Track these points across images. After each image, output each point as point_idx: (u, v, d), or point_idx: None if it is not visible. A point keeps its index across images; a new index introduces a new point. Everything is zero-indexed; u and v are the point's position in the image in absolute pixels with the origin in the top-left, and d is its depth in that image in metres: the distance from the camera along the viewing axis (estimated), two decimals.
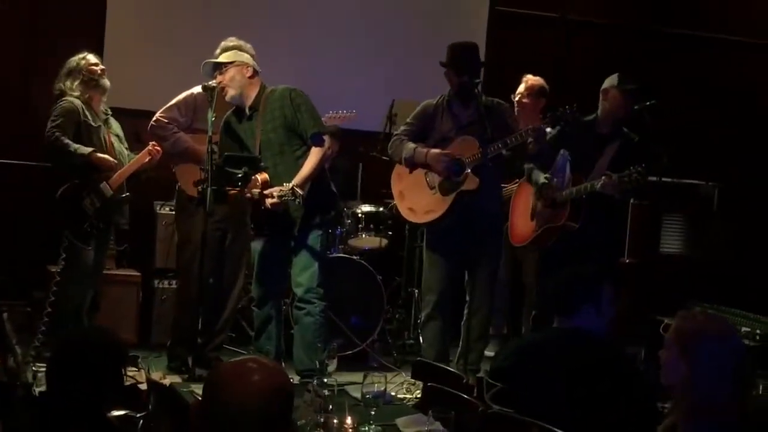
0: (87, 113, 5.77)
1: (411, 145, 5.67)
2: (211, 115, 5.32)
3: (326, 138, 5.32)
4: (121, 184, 5.87)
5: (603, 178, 5.46)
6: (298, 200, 5.08)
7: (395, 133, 5.88)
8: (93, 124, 5.79)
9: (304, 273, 5.41)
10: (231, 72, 5.38)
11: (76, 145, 5.64)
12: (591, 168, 5.74)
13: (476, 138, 5.49)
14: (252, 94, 5.42)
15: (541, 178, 5.73)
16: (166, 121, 5.79)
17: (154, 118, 5.82)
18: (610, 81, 5.86)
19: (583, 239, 5.66)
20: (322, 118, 5.57)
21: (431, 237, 5.79)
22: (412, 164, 5.70)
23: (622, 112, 5.83)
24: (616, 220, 6.07)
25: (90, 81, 5.80)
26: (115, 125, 6.03)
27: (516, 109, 6.58)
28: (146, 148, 5.84)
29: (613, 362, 3.55)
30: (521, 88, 6.79)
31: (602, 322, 3.67)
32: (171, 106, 5.84)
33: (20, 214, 6.77)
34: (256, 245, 5.57)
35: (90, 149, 5.67)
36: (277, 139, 5.38)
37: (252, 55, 5.48)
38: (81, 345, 2.86)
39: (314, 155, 5.28)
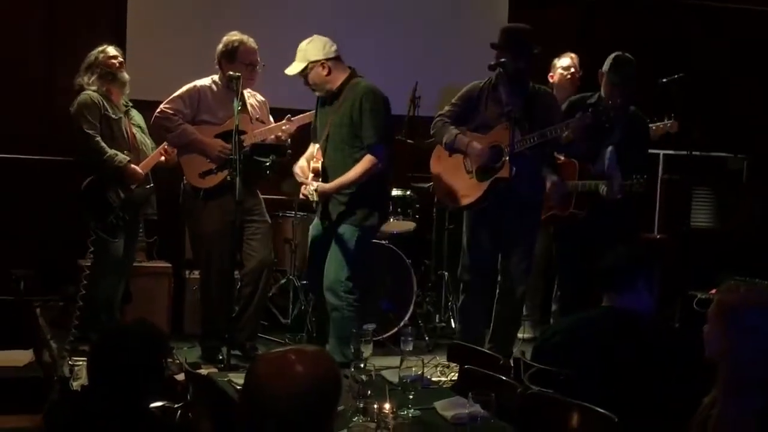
0: (107, 106, 5.82)
1: (454, 130, 5.62)
2: (237, 105, 5.35)
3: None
4: (146, 176, 5.94)
5: (604, 187, 5.58)
6: (313, 203, 5.38)
7: (439, 113, 5.80)
8: (113, 116, 5.84)
9: (331, 265, 5.45)
10: (310, 76, 5.50)
11: (112, 152, 5.76)
12: (597, 152, 5.74)
13: (516, 126, 5.40)
14: (336, 81, 5.51)
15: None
16: (171, 112, 5.74)
17: (159, 110, 5.77)
18: (606, 65, 5.81)
19: (594, 228, 5.71)
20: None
21: (470, 220, 5.75)
22: (452, 150, 5.68)
23: (617, 98, 5.76)
24: (626, 205, 6.01)
25: (107, 75, 5.86)
26: (138, 117, 6.07)
27: (557, 84, 6.58)
28: (159, 148, 5.95)
29: (661, 340, 3.53)
30: (567, 62, 6.74)
31: (652, 300, 3.66)
32: (175, 98, 5.80)
33: (50, 209, 6.79)
34: (312, 229, 5.71)
35: (126, 159, 5.79)
36: (340, 135, 5.46)
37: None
38: (122, 338, 2.86)
39: (362, 163, 5.37)
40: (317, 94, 5.60)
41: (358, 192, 5.42)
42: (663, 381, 3.37)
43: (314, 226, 5.70)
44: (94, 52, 5.88)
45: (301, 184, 5.54)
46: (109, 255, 5.84)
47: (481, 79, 5.70)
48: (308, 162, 5.61)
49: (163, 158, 5.96)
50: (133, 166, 5.81)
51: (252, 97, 5.94)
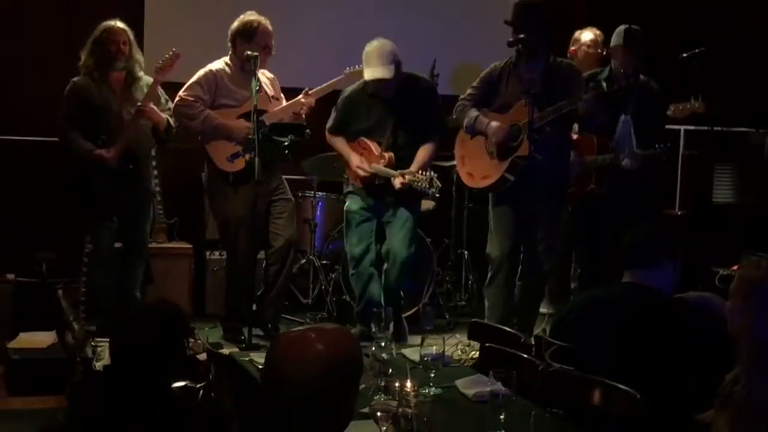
0: (96, 93, 5.69)
1: (473, 113, 5.60)
2: (255, 84, 5.36)
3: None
4: (129, 155, 5.75)
5: (626, 159, 5.58)
6: (433, 191, 5.51)
7: (461, 97, 5.78)
8: (101, 105, 5.70)
9: (404, 242, 5.83)
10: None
11: (78, 142, 5.67)
12: (614, 126, 5.71)
13: (535, 102, 5.36)
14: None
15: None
16: (192, 99, 5.72)
17: (178, 97, 5.74)
18: (616, 38, 5.79)
19: (614, 204, 5.73)
20: (342, 74, 5.89)
21: (495, 199, 5.73)
22: (473, 132, 5.66)
23: (631, 68, 5.73)
24: (646, 181, 5.98)
25: (103, 62, 5.70)
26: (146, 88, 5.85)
27: (581, 60, 6.54)
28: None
29: (680, 315, 3.51)
30: (590, 38, 6.66)
31: (676, 277, 3.64)
32: (193, 84, 5.78)
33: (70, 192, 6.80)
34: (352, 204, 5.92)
35: (88, 149, 5.65)
36: (410, 126, 5.78)
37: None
38: (143, 318, 2.87)
39: (432, 148, 5.80)
40: (385, 95, 5.71)
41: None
42: (685, 358, 3.35)
43: (359, 202, 5.90)
44: (101, 27, 5.72)
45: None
46: (103, 241, 5.82)
47: (498, 56, 5.69)
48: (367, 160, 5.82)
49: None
50: (98, 152, 5.63)
51: (263, 76, 5.90)
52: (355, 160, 5.80)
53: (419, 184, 5.53)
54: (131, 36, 5.76)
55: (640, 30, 5.82)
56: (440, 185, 5.52)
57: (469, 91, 5.75)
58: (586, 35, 6.69)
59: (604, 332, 3.50)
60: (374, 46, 5.63)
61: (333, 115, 5.95)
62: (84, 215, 5.88)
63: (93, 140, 5.67)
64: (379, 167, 5.73)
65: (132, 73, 5.76)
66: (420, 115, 5.78)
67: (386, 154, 5.75)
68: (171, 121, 5.81)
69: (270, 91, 5.90)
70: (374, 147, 5.79)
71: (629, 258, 3.70)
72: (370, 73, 5.60)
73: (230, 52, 5.80)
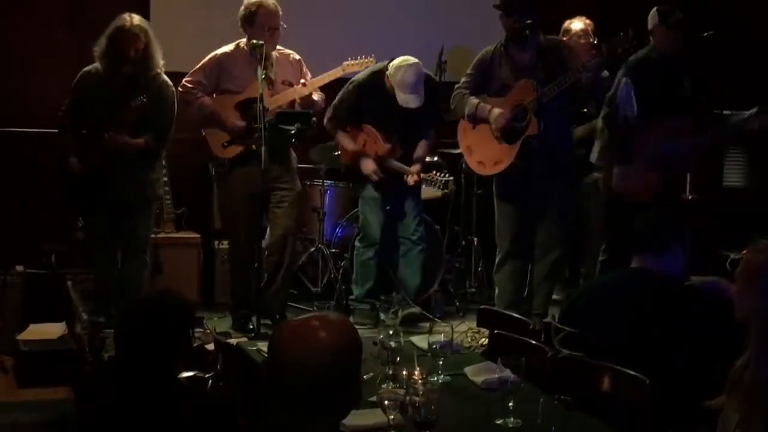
0: (102, 84, 5.57)
1: (473, 100, 5.60)
2: (261, 73, 5.35)
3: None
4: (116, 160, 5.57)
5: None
6: (446, 191, 6.06)
7: (456, 86, 5.79)
8: (107, 98, 5.53)
9: (416, 219, 6.16)
10: None
11: (64, 144, 5.63)
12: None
13: (534, 80, 5.38)
14: None
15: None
16: (190, 86, 5.75)
17: (180, 84, 5.75)
18: (652, 19, 5.76)
19: None
20: (341, 66, 5.85)
21: (499, 185, 5.72)
22: (475, 120, 5.64)
23: (675, 46, 5.71)
24: None
25: (111, 59, 5.54)
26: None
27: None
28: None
29: (689, 300, 3.49)
30: (579, 27, 6.61)
31: (685, 262, 3.62)
32: (196, 69, 5.81)
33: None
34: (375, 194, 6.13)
35: (66, 155, 5.59)
36: (413, 122, 5.99)
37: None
38: (149, 308, 2.86)
39: (431, 142, 6.19)
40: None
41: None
42: (693, 344, 3.33)
43: (378, 191, 6.12)
44: (116, 24, 5.53)
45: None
46: (95, 237, 5.78)
47: (488, 39, 5.76)
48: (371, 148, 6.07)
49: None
50: (71, 164, 5.56)
51: (284, 58, 5.89)
52: (369, 166, 6.05)
53: (434, 184, 5.89)
54: (149, 34, 5.56)
55: (674, 7, 5.79)
56: (454, 187, 5.95)
57: (464, 79, 5.75)
58: (576, 24, 6.62)
59: (612, 318, 3.49)
60: (412, 73, 5.84)
61: (338, 104, 6.02)
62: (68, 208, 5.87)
63: (97, 132, 5.54)
64: (395, 164, 6.00)
65: (144, 73, 5.56)
66: (422, 113, 5.96)
67: (394, 147, 5.96)
68: (152, 140, 5.62)
69: (285, 75, 5.85)
70: (381, 137, 5.97)
71: (638, 243, 3.68)
72: (403, 99, 5.82)
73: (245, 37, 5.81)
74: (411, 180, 5.96)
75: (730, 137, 6.01)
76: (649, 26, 5.79)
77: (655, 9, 5.78)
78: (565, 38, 6.60)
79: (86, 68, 5.68)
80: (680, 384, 3.21)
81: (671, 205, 5.18)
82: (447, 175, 5.89)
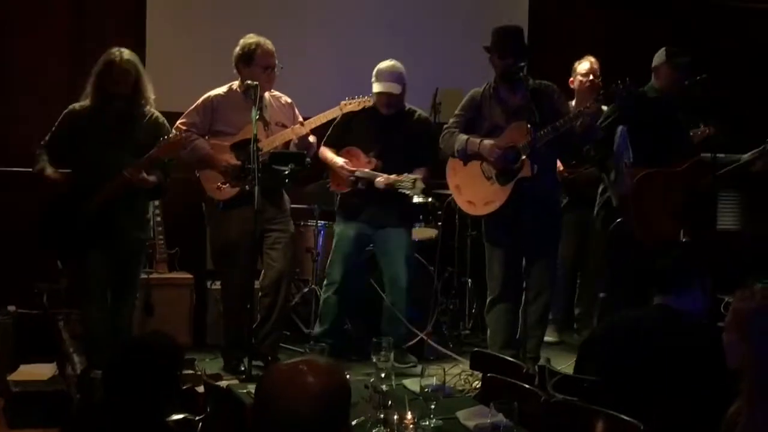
0: (89, 122, 5.36)
1: (463, 136, 5.62)
2: (255, 114, 5.36)
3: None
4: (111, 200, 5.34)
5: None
6: (416, 191, 5.89)
7: (445, 126, 5.81)
8: (93, 139, 5.33)
9: (403, 267, 6.12)
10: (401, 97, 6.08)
11: (39, 159, 5.41)
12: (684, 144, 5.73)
13: (527, 123, 5.41)
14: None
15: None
16: (184, 128, 5.72)
17: (174, 126, 5.70)
18: (659, 58, 5.83)
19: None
20: (338, 106, 5.90)
21: (489, 227, 5.72)
22: (466, 156, 5.64)
23: (676, 88, 5.76)
24: None
25: (99, 96, 5.36)
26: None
27: (577, 90, 6.55)
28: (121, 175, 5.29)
29: (708, 345, 3.48)
30: (586, 67, 6.66)
31: (706, 302, 3.64)
32: (190, 111, 5.81)
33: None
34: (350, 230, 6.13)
35: (40, 168, 5.36)
36: (402, 150, 6.05)
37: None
38: (138, 350, 2.84)
39: (426, 172, 6.07)
40: (386, 112, 5.99)
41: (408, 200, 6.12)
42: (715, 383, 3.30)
43: (351, 229, 6.11)
44: (105, 58, 5.35)
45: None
46: (84, 280, 5.48)
47: (477, 81, 5.80)
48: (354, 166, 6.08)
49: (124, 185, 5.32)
50: (47, 172, 5.34)
51: (275, 100, 5.92)
52: (339, 161, 6.05)
53: (402, 183, 5.82)
54: (139, 68, 5.41)
55: (683, 49, 5.90)
56: (424, 186, 5.83)
57: (452, 119, 5.78)
58: (583, 65, 6.70)
59: (636, 356, 3.51)
60: (387, 64, 5.99)
61: (330, 131, 6.15)
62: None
63: (80, 180, 5.37)
64: (363, 170, 5.99)
65: (133, 110, 5.40)
66: (411, 144, 6.03)
67: (373, 160, 6.01)
68: (163, 178, 5.49)
69: (277, 118, 5.88)
70: (361, 153, 6.04)
71: (658, 283, 3.72)
72: (378, 87, 5.92)
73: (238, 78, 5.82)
74: (380, 181, 5.91)
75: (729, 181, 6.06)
76: (654, 63, 5.85)
77: (663, 49, 5.85)
78: (572, 78, 6.67)
79: (73, 105, 5.47)
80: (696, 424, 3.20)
81: (693, 245, 5.23)
82: (417, 177, 5.84)
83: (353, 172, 6.01)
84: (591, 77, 6.65)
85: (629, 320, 3.81)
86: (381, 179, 5.92)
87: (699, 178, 5.79)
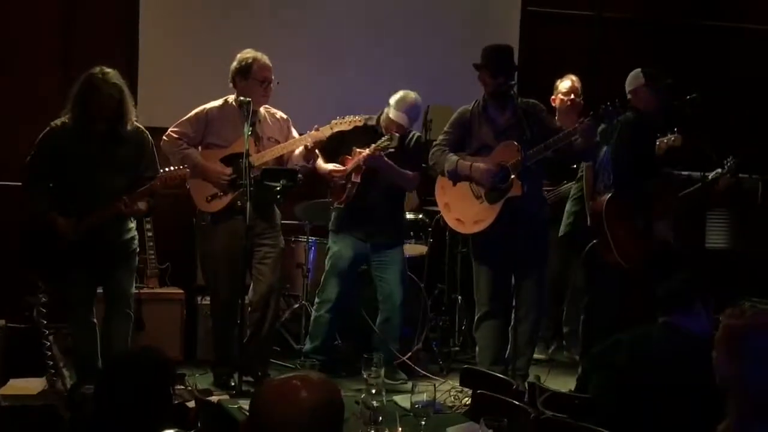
0: (70, 144, 5.28)
1: (453, 157, 5.63)
2: (247, 130, 5.38)
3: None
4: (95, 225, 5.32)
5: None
6: (393, 143, 5.80)
7: (434, 143, 5.84)
8: (74, 161, 5.28)
9: (398, 285, 6.13)
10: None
11: (38, 198, 5.34)
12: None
13: (516, 142, 5.44)
14: None
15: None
16: (176, 136, 5.75)
17: (166, 133, 5.76)
18: (636, 80, 5.81)
19: None
20: (329, 125, 5.84)
21: (477, 246, 5.74)
22: (456, 177, 5.66)
23: (658, 109, 5.77)
24: None
25: (81, 117, 5.27)
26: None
27: (558, 108, 6.58)
28: (117, 203, 5.27)
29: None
30: (567, 86, 6.71)
31: (710, 324, 3.66)
32: (183, 121, 5.82)
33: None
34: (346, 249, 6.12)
35: (44, 210, 5.30)
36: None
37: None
38: (129, 365, 2.84)
39: (414, 177, 6.15)
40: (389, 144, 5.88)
41: (402, 213, 6.26)
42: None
43: (348, 248, 6.08)
44: (86, 78, 5.27)
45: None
46: (71, 298, 5.51)
47: (466, 98, 5.85)
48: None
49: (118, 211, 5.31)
50: (56, 218, 5.28)
51: (270, 116, 5.92)
52: (329, 166, 6.05)
53: (382, 144, 5.81)
54: (123, 89, 5.31)
55: (656, 69, 5.91)
56: (398, 136, 5.83)
57: (441, 136, 5.81)
58: (564, 84, 6.76)
59: (642, 373, 3.54)
60: (411, 96, 6.00)
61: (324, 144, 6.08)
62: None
63: (63, 199, 5.34)
64: (351, 163, 5.99)
65: (115, 131, 5.32)
66: (400, 158, 5.99)
67: (359, 150, 5.99)
68: (152, 202, 5.49)
69: (270, 133, 5.87)
70: (353, 154, 6.03)
71: (661, 305, 3.77)
72: (394, 116, 5.95)
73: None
74: (366, 154, 5.88)
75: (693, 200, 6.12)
76: (632, 86, 5.84)
77: (639, 70, 5.84)
78: (553, 96, 6.71)
79: (54, 123, 5.37)
80: None
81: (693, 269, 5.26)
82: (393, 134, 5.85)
83: (342, 173, 6.01)
84: (572, 96, 6.70)
85: (635, 336, 3.82)
86: (364, 153, 5.90)
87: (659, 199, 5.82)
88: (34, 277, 5.51)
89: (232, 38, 6.89)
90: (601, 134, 5.65)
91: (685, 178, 6.05)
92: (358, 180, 5.98)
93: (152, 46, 7.25)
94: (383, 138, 5.83)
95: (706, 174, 5.96)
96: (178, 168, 5.41)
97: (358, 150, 5.98)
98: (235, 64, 5.79)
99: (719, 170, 6.06)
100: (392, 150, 5.86)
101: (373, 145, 5.85)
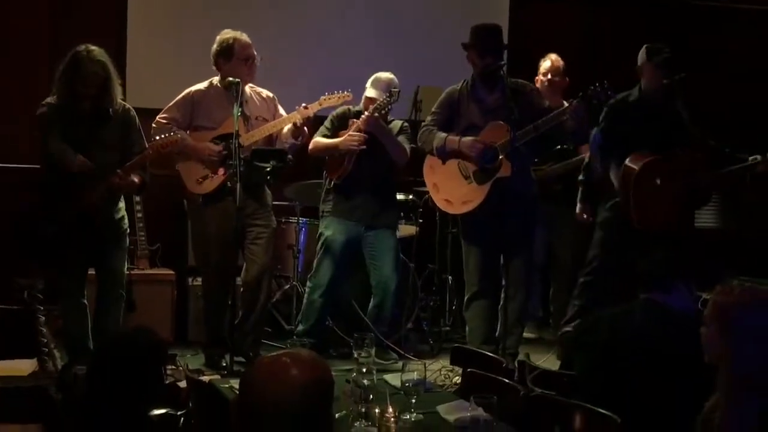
0: (61, 120, 5.26)
1: (441, 134, 5.64)
2: (237, 110, 5.37)
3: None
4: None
5: None
6: (394, 99, 5.80)
7: (423, 123, 5.85)
8: (65, 133, 5.25)
9: (390, 265, 6.12)
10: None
11: (66, 152, 5.23)
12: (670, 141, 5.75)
13: (505, 122, 5.44)
14: None
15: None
16: (165, 121, 5.73)
17: (155, 121, 5.74)
18: (641, 57, 5.85)
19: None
20: (318, 101, 5.85)
21: (466, 226, 5.76)
22: (444, 153, 5.66)
23: (657, 86, 5.78)
24: None
25: (67, 95, 5.26)
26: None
27: (539, 89, 6.57)
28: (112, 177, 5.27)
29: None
30: (546, 66, 6.72)
31: (693, 302, 3.67)
32: (170, 106, 5.82)
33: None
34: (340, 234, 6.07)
35: (71, 159, 5.20)
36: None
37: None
38: (121, 345, 2.85)
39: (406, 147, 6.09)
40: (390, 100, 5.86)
41: (395, 196, 6.25)
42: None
43: (342, 233, 6.04)
44: (72, 55, 5.22)
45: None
46: (63, 280, 5.52)
47: (455, 78, 5.86)
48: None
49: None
50: (82, 160, 5.22)
51: (256, 95, 5.92)
52: (336, 139, 5.99)
53: (381, 104, 5.82)
54: (108, 67, 5.26)
55: (663, 45, 5.90)
56: (397, 91, 5.81)
57: (429, 117, 5.82)
58: (544, 64, 6.76)
59: (623, 350, 3.55)
60: (385, 75, 6.01)
61: (325, 124, 6.13)
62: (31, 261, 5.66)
63: (59, 179, 5.30)
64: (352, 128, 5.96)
65: (101, 109, 5.30)
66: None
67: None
68: (146, 177, 5.49)
69: (258, 112, 5.87)
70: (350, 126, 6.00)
71: (642, 284, 3.76)
72: (369, 92, 5.94)
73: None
74: (367, 116, 5.85)
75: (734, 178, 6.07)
76: (639, 63, 5.89)
77: (645, 47, 5.87)
78: (537, 76, 6.71)
79: (47, 100, 5.35)
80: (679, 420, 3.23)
81: (677, 243, 5.26)
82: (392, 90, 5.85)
83: (354, 138, 5.90)
84: (550, 76, 6.69)
85: (616, 314, 3.83)
86: (365, 115, 5.88)
87: (699, 170, 5.80)
88: (33, 264, 5.55)
89: (222, 18, 6.85)
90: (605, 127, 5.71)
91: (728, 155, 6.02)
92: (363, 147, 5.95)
93: (141, 27, 7.23)
94: (382, 100, 5.82)
95: (752, 157, 5.91)
96: (169, 135, 5.40)
97: (355, 120, 5.97)
98: (215, 46, 5.77)
99: (758, 156, 6.01)
100: (390, 108, 5.90)
101: (372, 107, 5.84)
